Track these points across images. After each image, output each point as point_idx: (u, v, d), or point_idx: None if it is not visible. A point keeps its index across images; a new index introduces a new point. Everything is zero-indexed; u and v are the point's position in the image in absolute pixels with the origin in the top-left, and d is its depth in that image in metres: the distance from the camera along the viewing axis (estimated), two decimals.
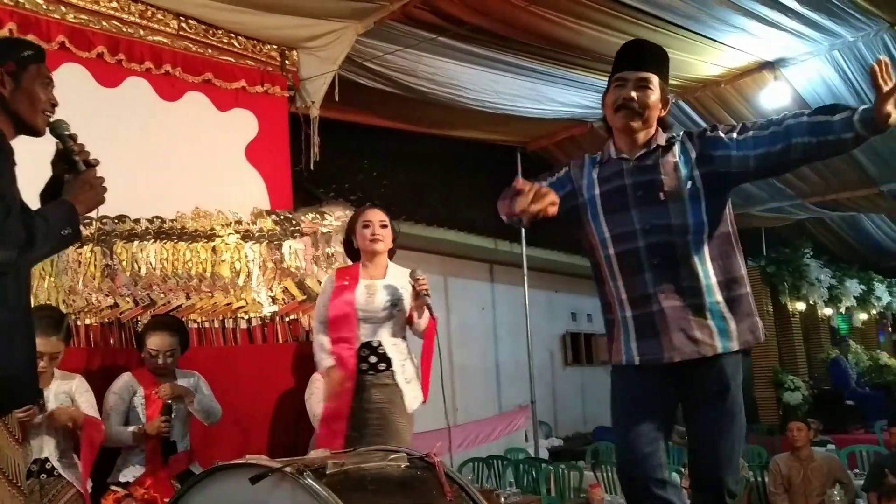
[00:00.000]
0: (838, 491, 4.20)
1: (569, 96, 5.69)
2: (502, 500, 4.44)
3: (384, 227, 3.21)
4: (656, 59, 2.16)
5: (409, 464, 1.68)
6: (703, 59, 5.17)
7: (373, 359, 3.10)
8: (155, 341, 3.17)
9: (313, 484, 1.41)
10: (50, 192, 1.94)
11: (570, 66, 5.11)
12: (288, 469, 1.44)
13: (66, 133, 1.90)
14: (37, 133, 1.90)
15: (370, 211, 3.27)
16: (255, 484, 1.43)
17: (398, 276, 3.20)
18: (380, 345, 3.11)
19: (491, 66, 5.06)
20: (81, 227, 3.62)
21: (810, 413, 7.45)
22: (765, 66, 5.32)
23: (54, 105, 1.90)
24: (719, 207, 2.07)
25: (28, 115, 1.85)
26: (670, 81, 5.81)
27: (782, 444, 5.69)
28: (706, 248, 2.03)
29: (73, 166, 1.88)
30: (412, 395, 3.13)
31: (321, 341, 3.15)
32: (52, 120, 1.89)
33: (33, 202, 1.88)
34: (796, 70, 5.32)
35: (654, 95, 2.10)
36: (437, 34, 4.57)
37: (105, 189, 1.90)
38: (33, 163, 1.92)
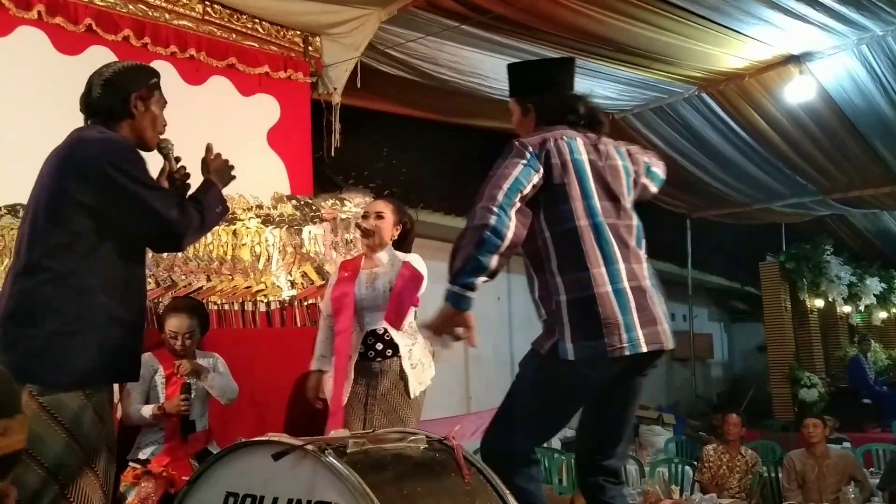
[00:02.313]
0: (853, 489, 4.18)
1: (590, 86, 5.62)
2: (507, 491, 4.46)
3: (380, 217, 3.23)
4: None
5: (428, 446, 1.70)
6: (727, 51, 5.12)
7: (379, 346, 3.14)
8: (174, 323, 3.20)
9: (335, 462, 1.44)
10: None
11: (592, 57, 5.09)
12: (310, 447, 1.46)
13: (171, 150, 2.24)
14: (148, 149, 2.19)
15: (371, 203, 3.34)
16: (278, 461, 1.45)
17: (397, 264, 3.22)
18: (385, 331, 3.14)
19: (513, 55, 5.04)
20: None
21: (826, 411, 7.40)
22: (790, 59, 5.26)
23: (164, 125, 2.22)
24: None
25: (148, 134, 2.16)
26: (692, 73, 5.75)
27: (797, 441, 5.67)
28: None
29: (171, 183, 2.23)
30: (417, 381, 3.16)
31: (320, 338, 3.31)
32: (161, 138, 2.22)
33: None
34: (822, 64, 5.26)
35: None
36: (460, 22, 4.56)
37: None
38: None
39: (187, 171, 2.27)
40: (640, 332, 1.99)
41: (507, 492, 1.74)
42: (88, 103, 2.14)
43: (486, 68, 5.21)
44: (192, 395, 3.14)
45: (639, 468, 5.24)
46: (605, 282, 1.99)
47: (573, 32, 4.75)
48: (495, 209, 1.90)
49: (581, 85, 6.27)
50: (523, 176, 1.99)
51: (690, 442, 6.78)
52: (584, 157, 2.10)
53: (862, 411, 8.00)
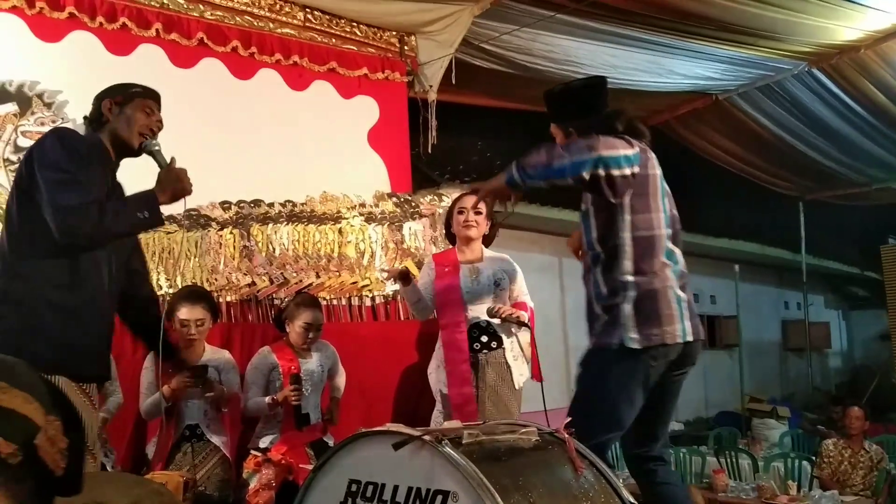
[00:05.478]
0: None
1: (691, 68, 5.48)
2: (621, 482, 4.40)
3: (479, 213, 3.27)
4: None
5: (540, 438, 1.73)
6: (840, 23, 4.82)
7: (484, 338, 3.20)
8: (309, 315, 3.32)
9: (451, 452, 1.48)
10: None
11: (693, 37, 4.92)
12: (427, 437, 1.52)
13: (156, 149, 2.23)
14: (132, 151, 2.25)
15: (466, 197, 3.36)
16: (398, 450, 1.52)
17: (496, 259, 3.32)
18: (488, 324, 3.19)
19: (608, 40, 4.95)
20: (221, 212, 3.87)
21: None
22: None
23: (153, 129, 2.25)
24: (599, 221, 2.32)
25: (125, 135, 2.21)
26: (801, 48, 5.45)
27: None
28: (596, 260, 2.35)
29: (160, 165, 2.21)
30: (519, 372, 3.23)
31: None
32: (146, 139, 2.23)
33: None
34: None
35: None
36: (554, 11, 4.52)
37: (188, 181, 2.16)
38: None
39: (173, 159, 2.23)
40: (688, 323, 2.26)
41: (621, 485, 1.73)
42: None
43: (581, 56, 5.13)
44: (308, 392, 3.29)
45: (752, 463, 5.04)
46: (666, 280, 2.25)
47: (672, 13, 4.60)
48: (590, 157, 2.14)
49: (678, 66, 6.05)
50: (625, 160, 2.18)
51: (807, 436, 6.46)
52: (659, 173, 2.31)
53: None
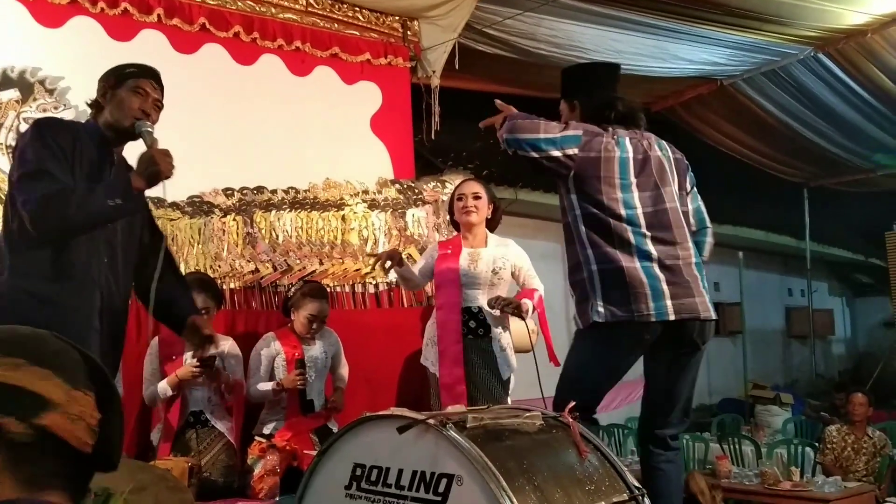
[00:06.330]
0: None
1: (697, 53, 5.44)
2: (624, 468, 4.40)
3: (477, 198, 3.26)
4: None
5: (544, 423, 1.73)
6: (847, 7, 4.79)
7: (472, 324, 3.19)
8: (314, 307, 3.33)
9: (456, 435, 1.49)
10: None
11: (698, 22, 4.88)
12: (432, 421, 1.52)
13: (144, 130, 2.17)
14: (123, 130, 2.19)
15: (465, 183, 3.37)
16: (402, 434, 1.52)
17: (499, 246, 3.29)
18: (479, 311, 3.19)
19: (613, 24, 4.92)
20: (224, 199, 3.85)
21: None
22: None
23: (145, 111, 2.19)
24: (560, 200, 2.42)
25: (117, 117, 2.18)
26: (807, 33, 5.43)
27: None
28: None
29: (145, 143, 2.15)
30: (505, 364, 3.21)
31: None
32: (136, 120, 2.17)
33: None
34: None
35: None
36: None
37: (166, 163, 2.07)
38: None
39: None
40: (668, 302, 2.22)
41: (625, 469, 1.74)
42: None
43: (585, 40, 5.10)
44: (312, 378, 3.30)
45: (755, 449, 5.05)
46: (632, 259, 2.25)
47: None
48: (507, 137, 2.30)
49: (684, 51, 6.03)
50: (546, 142, 2.26)
51: (810, 422, 6.47)
52: (630, 155, 2.33)
53: None
